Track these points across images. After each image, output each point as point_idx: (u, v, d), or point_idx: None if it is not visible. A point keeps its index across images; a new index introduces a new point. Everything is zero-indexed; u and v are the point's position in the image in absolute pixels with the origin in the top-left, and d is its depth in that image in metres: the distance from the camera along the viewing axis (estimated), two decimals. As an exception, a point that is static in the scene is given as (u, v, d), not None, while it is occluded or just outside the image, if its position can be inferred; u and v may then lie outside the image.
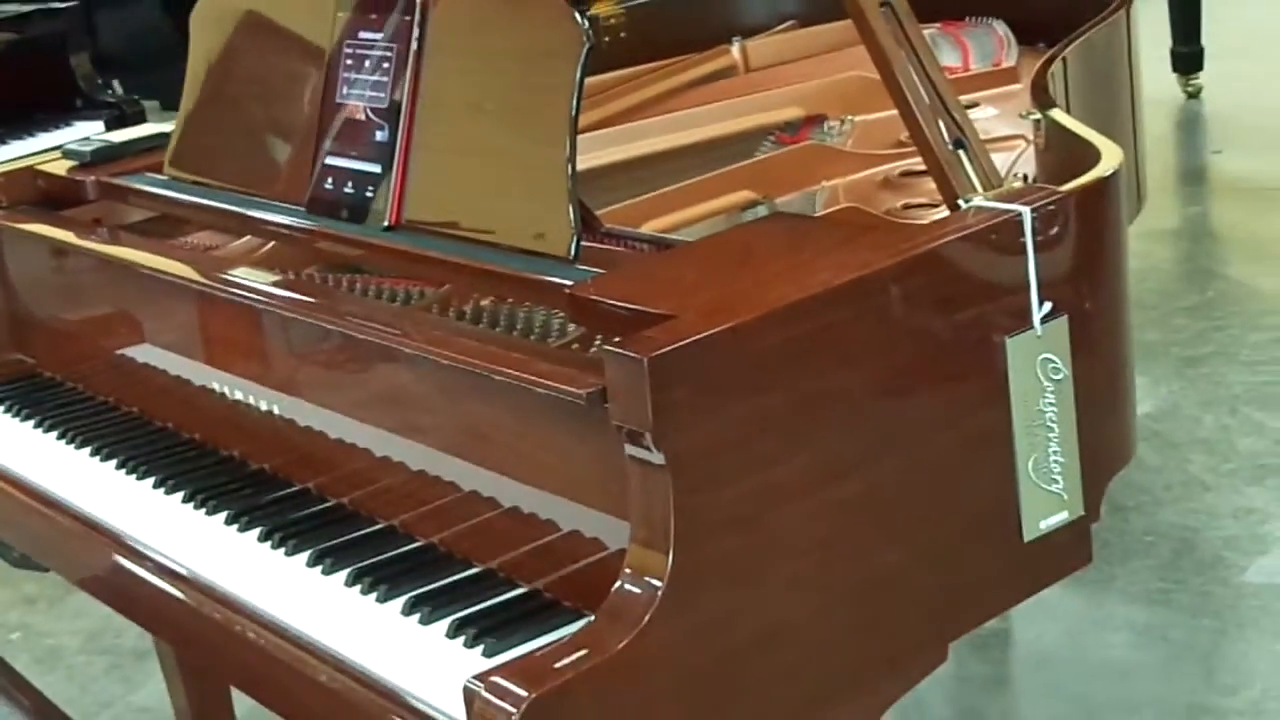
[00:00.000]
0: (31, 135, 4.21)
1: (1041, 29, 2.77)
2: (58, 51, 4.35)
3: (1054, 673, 2.88)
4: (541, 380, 1.50)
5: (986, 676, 2.87)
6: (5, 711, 2.11)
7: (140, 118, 4.34)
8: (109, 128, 4.26)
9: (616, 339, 1.44)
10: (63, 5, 4.40)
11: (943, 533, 1.62)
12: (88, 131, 4.24)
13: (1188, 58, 6.08)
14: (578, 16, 1.72)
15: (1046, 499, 1.68)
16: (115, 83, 4.85)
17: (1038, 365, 1.65)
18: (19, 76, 4.29)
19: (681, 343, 1.40)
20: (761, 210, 2.14)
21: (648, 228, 2.02)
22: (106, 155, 2.38)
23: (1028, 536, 1.68)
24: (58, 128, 4.27)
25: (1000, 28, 2.79)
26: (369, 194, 1.91)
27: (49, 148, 4.07)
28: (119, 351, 2.26)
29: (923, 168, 1.97)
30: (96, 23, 4.99)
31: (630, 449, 1.43)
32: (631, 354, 1.39)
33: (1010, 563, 1.69)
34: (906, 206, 2.11)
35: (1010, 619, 2.95)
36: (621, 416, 1.41)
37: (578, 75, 1.70)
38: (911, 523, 1.60)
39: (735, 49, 2.79)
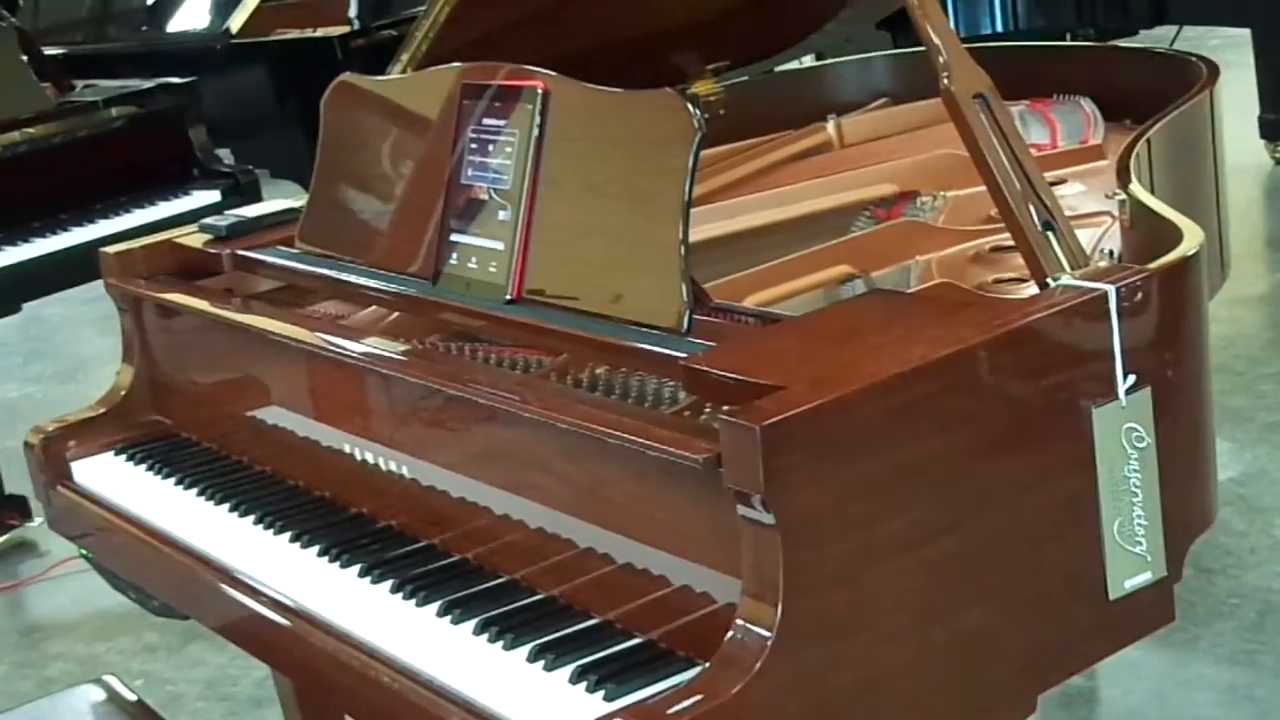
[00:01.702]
0: (152, 204, 4.40)
1: (1127, 106, 2.87)
2: (177, 124, 4.55)
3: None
4: (660, 445, 1.62)
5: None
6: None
7: (254, 187, 4.52)
8: (224, 196, 4.46)
9: (731, 408, 1.56)
10: (181, 81, 4.60)
11: (1032, 591, 1.73)
12: (205, 200, 4.45)
13: (1275, 125, 6.15)
14: (690, 106, 1.86)
15: (1131, 560, 1.79)
16: (227, 152, 5.05)
17: (1122, 434, 1.76)
18: (141, 148, 4.49)
19: (791, 413, 1.52)
20: (859, 284, 2.26)
21: (751, 300, 2.14)
22: (240, 230, 2.53)
23: (1113, 595, 1.79)
24: (176, 196, 4.46)
25: (1087, 105, 2.89)
26: (492, 269, 2.04)
27: (168, 216, 4.31)
28: (250, 413, 2.41)
29: (1011, 243, 2.09)
30: (203, 94, 5.18)
31: (743, 510, 1.55)
32: (745, 423, 1.51)
33: (1096, 620, 1.79)
34: (997, 281, 2.21)
35: (1096, 677, 3.04)
36: (735, 480, 1.54)
37: (690, 161, 1.84)
38: (1002, 581, 1.71)
39: (830, 126, 2.91)
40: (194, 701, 3.46)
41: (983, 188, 1.88)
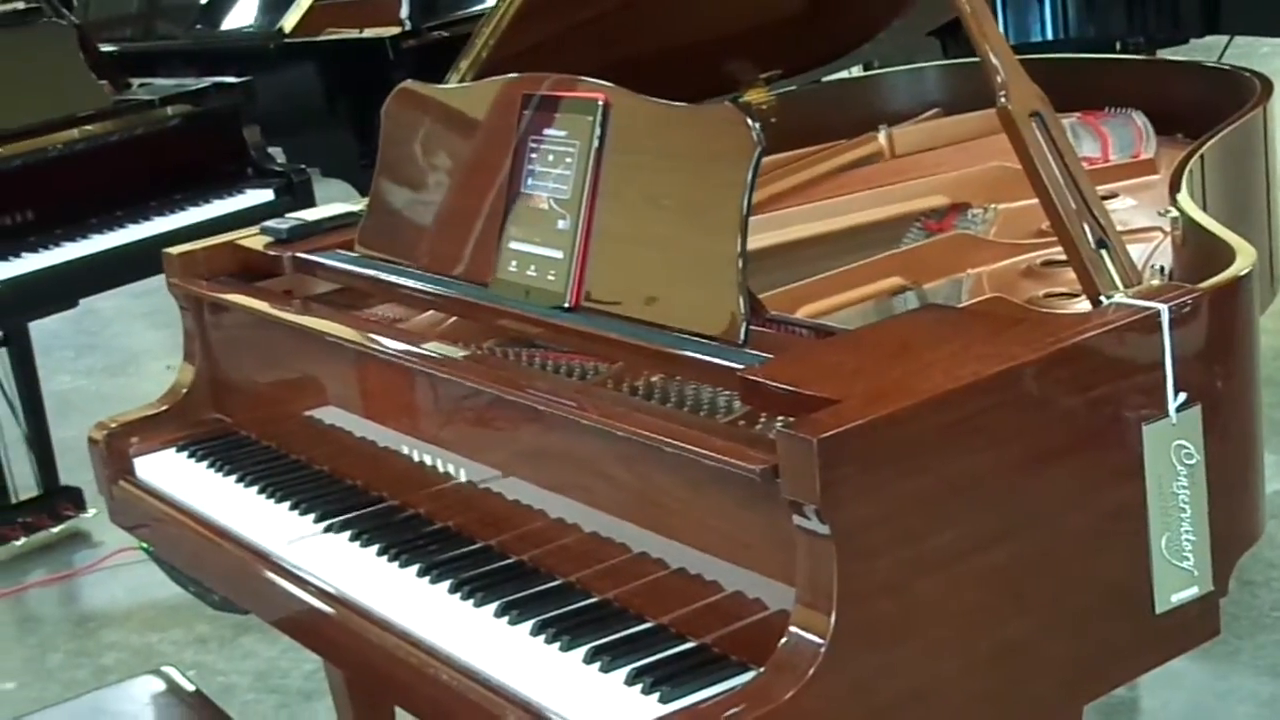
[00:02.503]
0: (207, 202, 4.45)
1: (1179, 120, 2.89)
2: (231, 123, 4.59)
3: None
4: (719, 456, 1.66)
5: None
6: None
7: (307, 186, 4.56)
8: (278, 195, 4.51)
9: (788, 420, 1.60)
10: (237, 80, 4.65)
11: (1079, 604, 1.77)
12: (258, 199, 4.50)
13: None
14: (751, 122, 1.89)
15: (1177, 575, 1.82)
16: (278, 151, 5.09)
17: (1172, 451, 1.79)
18: (195, 146, 4.53)
19: (847, 426, 1.56)
20: (911, 296, 2.29)
21: (805, 311, 2.18)
22: (300, 233, 2.58)
23: (1159, 609, 1.82)
24: (230, 195, 4.50)
25: (1139, 119, 2.91)
26: (550, 277, 2.08)
27: (223, 214, 4.36)
28: (307, 413, 2.45)
29: (1063, 257, 2.12)
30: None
31: (798, 520, 1.59)
32: (803, 435, 1.55)
33: (1142, 633, 1.82)
34: (1048, 295, 2.24)
35: (1138, 687, 3.06)
36: (792, 491, 1.57)
37: (750, 176, 1.87)
38: (1050, 594, 1.74)
39: (882, 136, 2.94)
40: (245, 693, 3.51)
41: (1033, 200, 1.91)
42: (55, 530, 4.45)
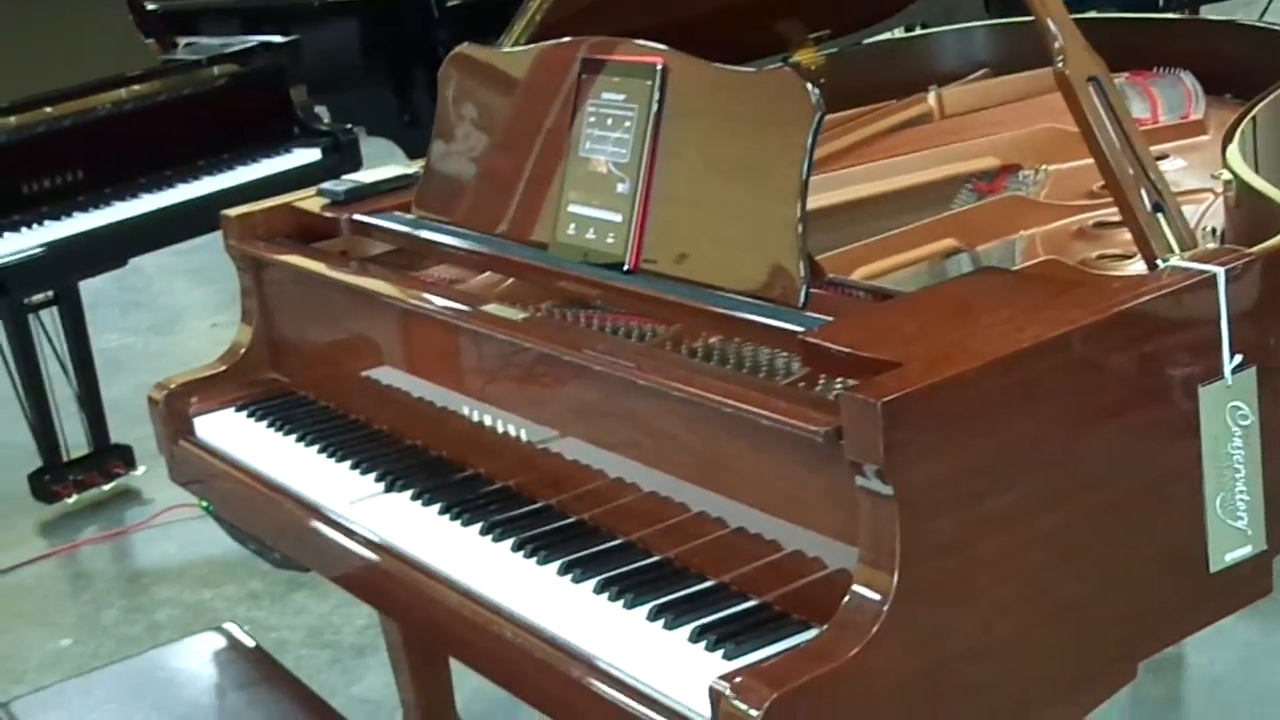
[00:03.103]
0: (255, 161, 4.48)
1: (1228, 81, 2.89)
2: (278, 83, 4.62)
3: (1226, 696, 3.00)
4: (782, 418, 1.69)
5: (1161, 698, 3.00)
6: (268, 698, 2.33)
7: (354, 146, 4.59)
8: (324, 155, 4.55)
9: (852, 384, 1.63)
10: (283, 39, 4.68)
11: (1135, 563, 1.79)
12: (305, 158, 4.53)
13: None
14: (810, 87, 1.91)
15: (1232, 534, 1.84)
16: (323, 110, 5.12)
17: (1227, 412, 1.81)
18: (242, 106, 4.57)
19: (909, 389, 1.59)
20: (964, 259, 2.31)
21: (860, 273, 2.20)
22: (357, 195, 2.61)
23: (1213, 568, 1.84)
24: (277, 154, 4.54)
25: (1187, 79, 2.91)
26: (610, 240, 2.11)
27: (270, 174, 4.40)
28: (364, 373, 2.49)
29: (1115, 219, 2.14)
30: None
31: (861, 481, 1.62)
32: (866, 398, 1.58)
33: (1196, 591, 1.85)
34: (1101, 257, 2.26)
35: (1184, 644, 3.08)
36: (855, 452, 1.60)
37: (809, 140, 1.89)
38: (1107, 553, 1.76)
39: (931, 97, 2.95)
40: (298, 649, 3.56)
41: (1084, 162, 1.93)
42: (106, 488, 4.51)
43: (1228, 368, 1.81)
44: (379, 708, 3.27)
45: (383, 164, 2.74)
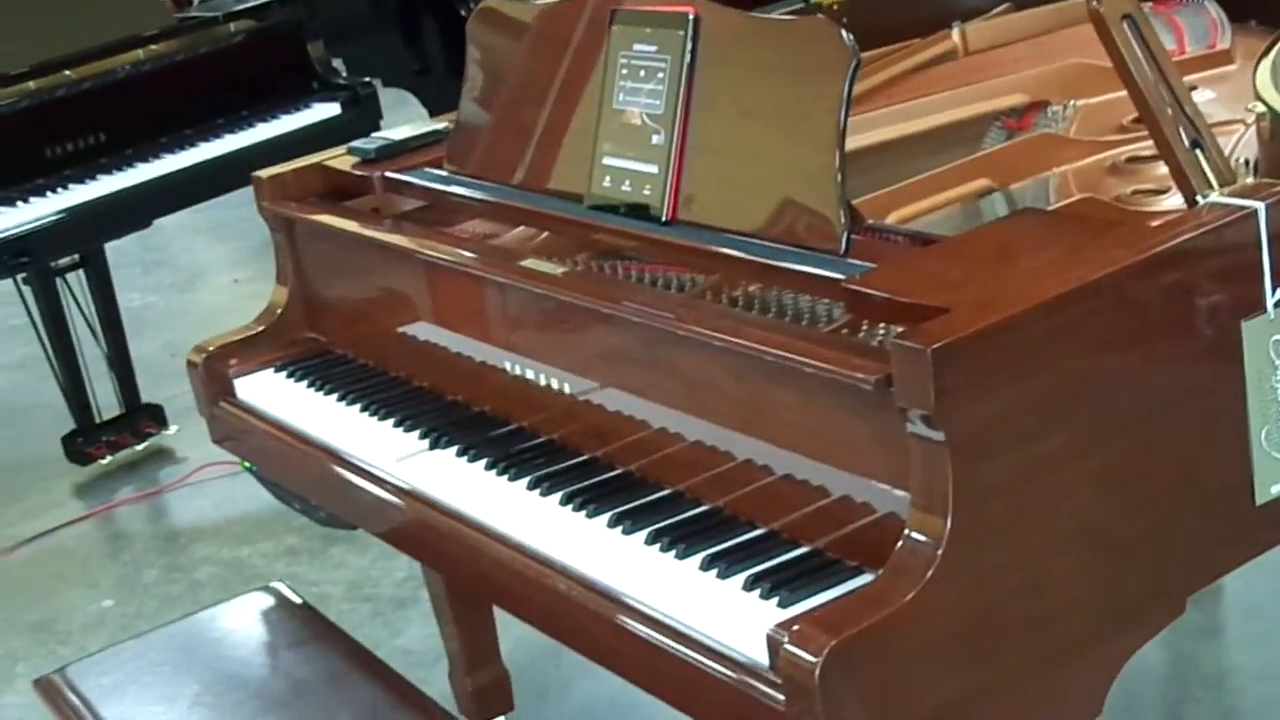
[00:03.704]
0: (275, 117, 4.49)
1: (1252, 6, 2.88)
2: (294, 38, 4.62)
3: (1264, 622, 3.03)
4: (831, 367, 1.70)
5: (1200, 626, 3.03)
6: (320, 654, 2.36)
7: (373, 99, 4.60)
8: (343, 109, 4.55)
9: (901, 331, 1.64)
10: (299, -6, 4.68)
11: (1183, 498, 1.81)
12: (325, 113, 4.54)
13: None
14: (844, 34, 1.91)
15: (1277, 467, 1.85)
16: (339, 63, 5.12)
17: (1270, 345, 1.82)
18: (260, 62, 4.57)
19: (958, 335, 1.60)
20: (998, 198, 2.31)
21: (895, 217, 2.20)
22: (388, 152, 2.62)
23: (1259, 501, 1.86)
24: (297, 110, 4.54)
25: (1212, 7, 2.89)
26: (646, 192, 2.12)
27: (291, 130, 4.40)
28: (401, 330, 2.50)
29: (1147, 154, 2.14)
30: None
31: (912, 427, 1.63)
32: (916, 345, 1.59)
33: (1243, 524, 1.87)
34: (1135, 192, 2.26)
35: (1222, 571, 3.10)
36: (906, 400, 1.61)
37: (846, 87, 1.90)
38: (1156, 489, 1.78)
39: (955, 33, 2.94)
40: (339, 603, 3.59)
41: (1113, 95, 1.93)
42: (139, 448, 4.54)
43: (1270, 301, 1.82)
44: (422, 659, 3.30)
45: (397, 113, 2.75)
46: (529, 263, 2.19)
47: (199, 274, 6.32)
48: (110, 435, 4.52)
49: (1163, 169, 2.12)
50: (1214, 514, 1.85)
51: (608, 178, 2.18)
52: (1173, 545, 1.81)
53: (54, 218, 4.05)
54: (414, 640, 3.40)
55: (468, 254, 2.28)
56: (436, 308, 2.42)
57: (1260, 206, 1.79)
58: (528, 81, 2.38)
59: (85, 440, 4.48)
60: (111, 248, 4.53)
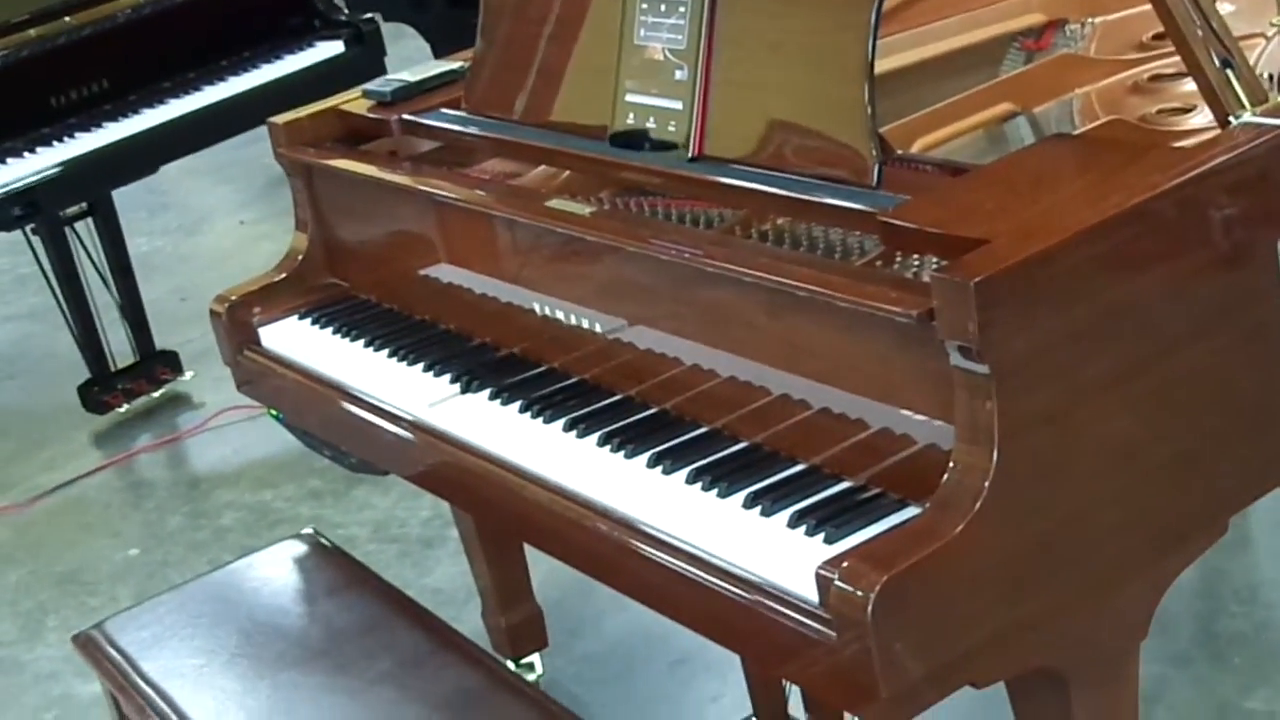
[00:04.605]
0: (279, 58, 4.46)
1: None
2: (294, -25, 4.59)
3: (1294, 535, 3.04)
4: (873, 303, 1.69)
5: (1228, 539, 3.00)
6: (358, 601, 2.37)
7: (376, 36, 4.56)
8: (348, 47, 4.52)
9: (943, 264, 1.63)
10: (297, -69, 4.63)
11: (1226, 418, 1.81)
12: (329, 52, 4.51)
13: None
14: (871, -36, 1.89)
15: (1316, 384, 1.85)
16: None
17: (1306, 263, 1.82)
18: (261, 3, 4.53)
19: (1001, 267, 1.59)
20: (1022, 121, 2.29)
21: (920, 144, 2.18)
22: (404, 94, 2.60)
23: (1299, 421, 1.86)
24: (300, 49, 4.51)
25: (1228, -83, 2.87)
26: (671, 128, 2.10)
27: (295, 70, 4.38)
28: (423, 273, 2.49)
29: (1170, 71, 2.13)
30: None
31: (956, 360, 1.62)
32: (959, 279, 1.58)
33: (1283, 444, 1.87)
34: (1160, 111, 2.24)
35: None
36: (949, 333, 1.61)
37: (873, 16, 1.88)
38: (1199, 411, 1.78)
39: (967, -48, 2.91)
40: (365, 544, 3.60)
41: (1131, 11, 1.92)
42: (156, 395, 4.55)
43: (1305, 220, 1.81)
44: (452, 598, 3.32)
45: (396, 46, 2.71)
46: (555, 203, 2.17)
47: (205, 216, 6.30)
48: (126, 383, 4.52)
49: (1186, 86, 2.11)
50: (1256, 435, 1.85)
51: (631, 114, 2.17)
52: (1215, 466, 1.82)
53: (60, 167, 4.04)
54: (443, 580, 3.41)
55: (493, 196, 2.27)
56: (461, 250, 2.41)
57: (1294, 125, 1.78)
58: (545, 18, 2.35)
59: (101, 389, 4.48)
60: (116, 193, 4.52)
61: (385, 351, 2.41)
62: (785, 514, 1.77)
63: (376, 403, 2.31)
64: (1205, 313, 1.77)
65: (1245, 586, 2.95)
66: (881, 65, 2.49)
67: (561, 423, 2.07)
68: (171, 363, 4.60)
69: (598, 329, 2.15)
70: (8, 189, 3.94)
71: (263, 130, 2.72)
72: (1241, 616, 2.87)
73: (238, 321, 2.63)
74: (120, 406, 4.48)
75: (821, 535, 1.72)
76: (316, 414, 2.51)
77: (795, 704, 2.46)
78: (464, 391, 2.23)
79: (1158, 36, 2.30)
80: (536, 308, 2.25)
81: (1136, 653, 1.86)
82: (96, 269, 4.51)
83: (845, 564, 1.60)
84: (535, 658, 3.04)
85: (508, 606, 2.97)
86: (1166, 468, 1.76)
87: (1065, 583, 1.70)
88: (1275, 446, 1.86)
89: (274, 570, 2.50)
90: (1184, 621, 2.87)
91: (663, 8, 2.13)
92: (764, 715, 2.50)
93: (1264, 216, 1.79)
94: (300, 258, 2.68)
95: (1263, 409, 1.84)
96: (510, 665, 2.99)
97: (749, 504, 1.81)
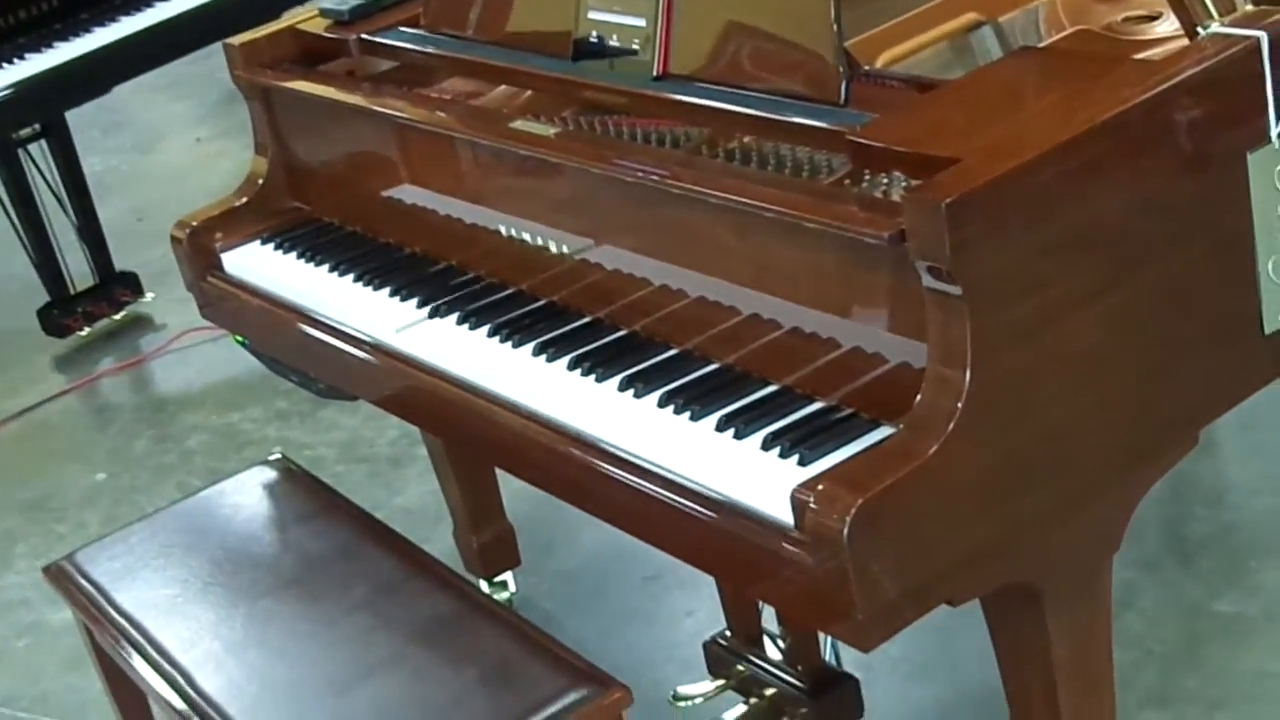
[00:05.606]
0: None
1: None
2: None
3: (1260, 434, 3.06)
4: (843, 224, 1.68)
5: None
6: (330, 526, 2.36)
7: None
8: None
9: (914, 184, 1.62)
10: None
11: (1195, 332, 1.81)
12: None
13: None
14: (832, -125, 1.86)
15: (1285, 296, 1.85)
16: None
17: (1275, 176, 1.81)
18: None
19: (973, 186, 1.58)
20: (987, 32, 2.27)
21: (884, 59, 2.16)
22: (362, 12, 2.56)
23: (1268, 330, 1.86)
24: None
25: None
26: (635, 45, 2.08)
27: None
28: (386, 194, 2.47)
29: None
30: None
31: (928, 281, 1.62)
32: (931, 199, 1.57)
33: (1253, 354, 1.87)
34: (1126, 19, 2.23)
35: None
36: (921, 254, 1.60)
37: (838, -71, 1.85)
38: (1168, 325, 1.78)
39: None
40: (334, 465, 3.59)
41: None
42: (117, 317, 4.51)
43: (1274, 131, 1.80)
44: (423, 518, 3.32)
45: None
46: (519, 124, 2.15)
47: (160, 134, 6.22)
48: (86, 306, 4.48)
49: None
50: (1225, 347, 1.85)
51: (594, 32, 2.14)
52: (1187, 379, 1.82)
53: (11, 89, 3.98)
54: (413, 499, 3.41)
55: (456, 117, 2.24)
56: (424, 171, 2.39)
57: (1262, 35, 1.77)
58: (504, -65, 2.32)
59: (61, 312, 4.44)
60: (69, 112, 4.45)
61: (350, 276, 2.39)
62: (759, 436, 1.77)
63: (343, 328, 2.30)
64: (1176, 226, 1.77)
65: (1212, 490, 2.97)
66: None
67: (531, 346, 2.06)
68: (131, 284, 4.56)
69: (565, 250, 2.13)
70: (-43, 113, 3.89)
71: (216, 45, 2.68)
72: (1209, 520, 2.89)
73: (199, 247, 2.61)
74: (81, 330, 4.45)
75: (795, 457, 1.72)
76: (283, 340, 2.49)
77: (769, 618, 2.47)
78: (432, 316, 2.22)
79: (1123, -58, 2.28)
80: (503, 229, 2.23)
81: (1110, 565, 1.87)
82: (52, 191, 4.46)
83: (821, 487, 1.60)
84: (508, 576, 3.05)
85: (479, 526, 2.97)
86: (1138, 382, 1.76)
87: (1040, 499, 1.71)
88: (1244, 357, 1.87)
89: (244, 497, 2.49)
90: (1152, 526, 2.89)
91: (624, -77, 2.09)
92: (738, 631, 2.51)
93: (1233, 127, 1.79)
94: (261, 181, 2.65)
95: (1232, 321, 1.84)
96: (483, 585, 3.00)
97: (722, 427, 1.80)
